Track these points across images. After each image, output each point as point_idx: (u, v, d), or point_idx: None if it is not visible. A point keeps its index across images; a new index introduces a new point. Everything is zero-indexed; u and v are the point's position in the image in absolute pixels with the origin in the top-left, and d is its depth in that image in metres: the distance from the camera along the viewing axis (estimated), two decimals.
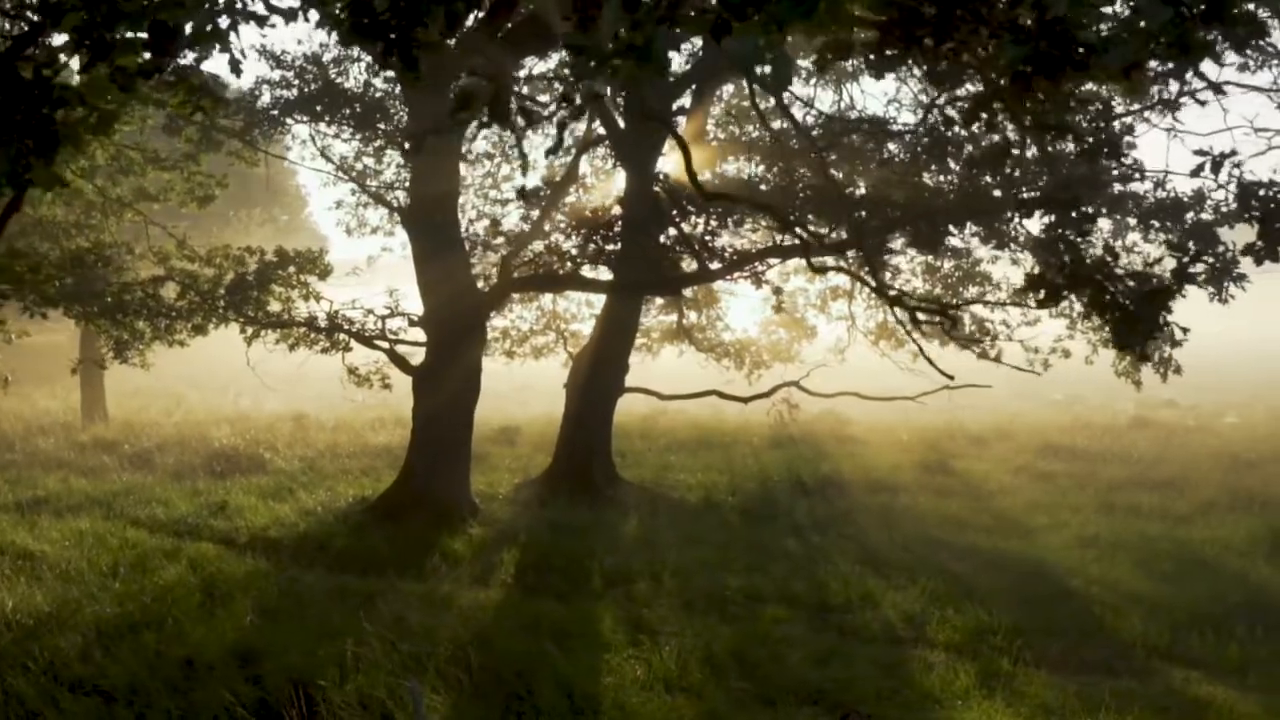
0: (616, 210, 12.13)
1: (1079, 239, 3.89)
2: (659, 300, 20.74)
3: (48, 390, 27.49)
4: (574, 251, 11.80)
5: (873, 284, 9.81)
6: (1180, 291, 3.76)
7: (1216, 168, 4.38)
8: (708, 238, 11.46)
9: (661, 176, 12.76)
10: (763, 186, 10.88)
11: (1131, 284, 3.68)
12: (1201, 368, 39.10)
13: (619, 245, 11.45)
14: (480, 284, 14.21)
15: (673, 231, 12.78)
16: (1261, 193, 4.44)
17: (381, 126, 14.18)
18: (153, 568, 10.07)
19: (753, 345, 22.38)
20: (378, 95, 14.23)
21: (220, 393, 30.29)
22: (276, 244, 15.86)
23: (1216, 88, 5.84)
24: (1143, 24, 2.64)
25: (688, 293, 20.24)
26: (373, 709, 6.37)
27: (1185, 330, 7.04)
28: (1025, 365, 17.48)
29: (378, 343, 13.29)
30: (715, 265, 11.32)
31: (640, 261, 13.61)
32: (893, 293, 10.11)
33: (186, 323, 14.36)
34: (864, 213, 9.46)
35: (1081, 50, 2.61)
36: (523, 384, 27.93)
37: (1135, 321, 3.62)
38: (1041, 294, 3.90)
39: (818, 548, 11.76)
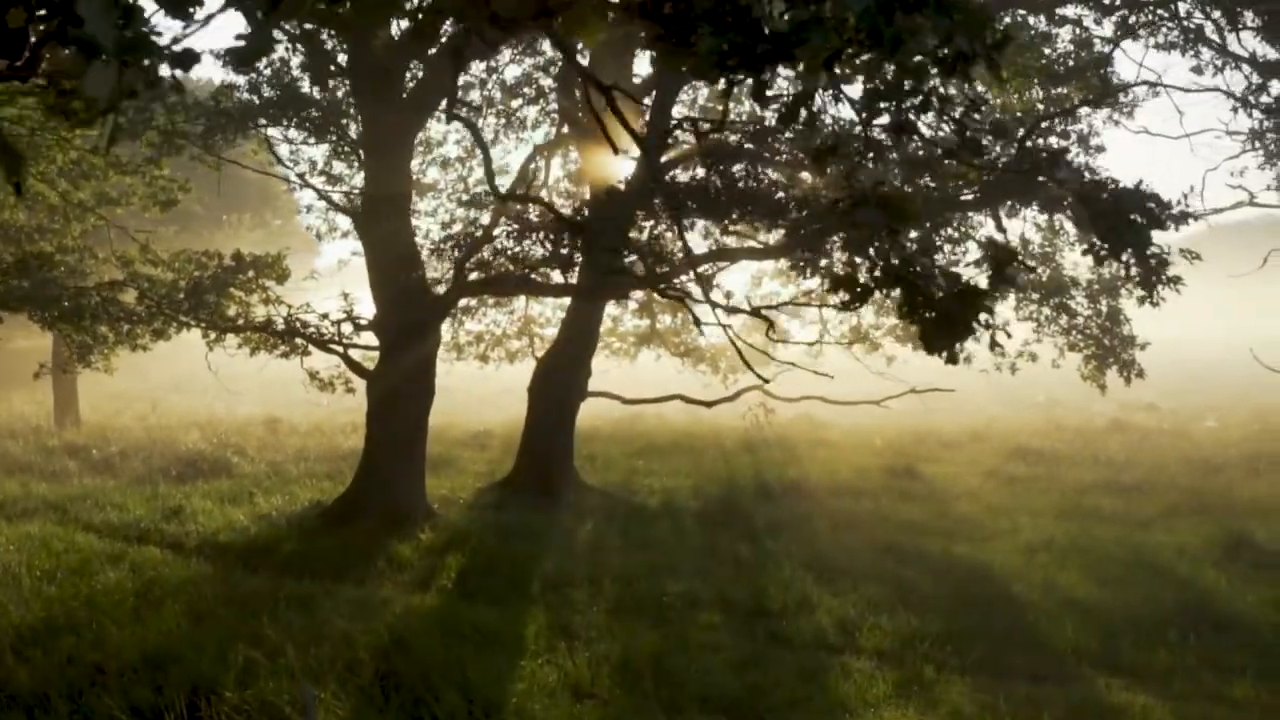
0: (567, 212, 12.09)
1: (892, 236, 3.81)
2: (633, 304, 20.74)
3: (27, 394, 27.51)
4: (524, 254, 11.76)
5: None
6: (997, 293, 3.67)
7: (1053, 163, 4.32)
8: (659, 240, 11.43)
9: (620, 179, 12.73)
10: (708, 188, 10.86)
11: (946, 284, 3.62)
12: (1193, 370, 38.97)
13: (568, 248, 11.41)
14: (440, 287, 14.16)
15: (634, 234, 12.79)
16: (1104, 195, 4.36)
17: (337, 129, 14.16)
18: (92, 572, 10.03)
19: (727, 349, 22.35)
20: (337, 98, 14.23)
21: (201, 397, 30.26)
22: (266, 248, 15.83)
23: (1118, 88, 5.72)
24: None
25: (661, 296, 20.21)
26: (272, 715, 6.32)
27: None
28: (993, 369, 17.43)
29: (332, 347, 13.25)
30: (663, 269, 11.27)
31: (596, 265, 13.59)
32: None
33: (147, 327, 14.38)
34: (803, 213, 9.42)
35: (780, 41, 2.55)
36: (503, 388, 27.91)
37: (947, 324, 3.55)
38: (845, 294, 3.82)
39: (768, 552, 11.69)
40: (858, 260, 3.90)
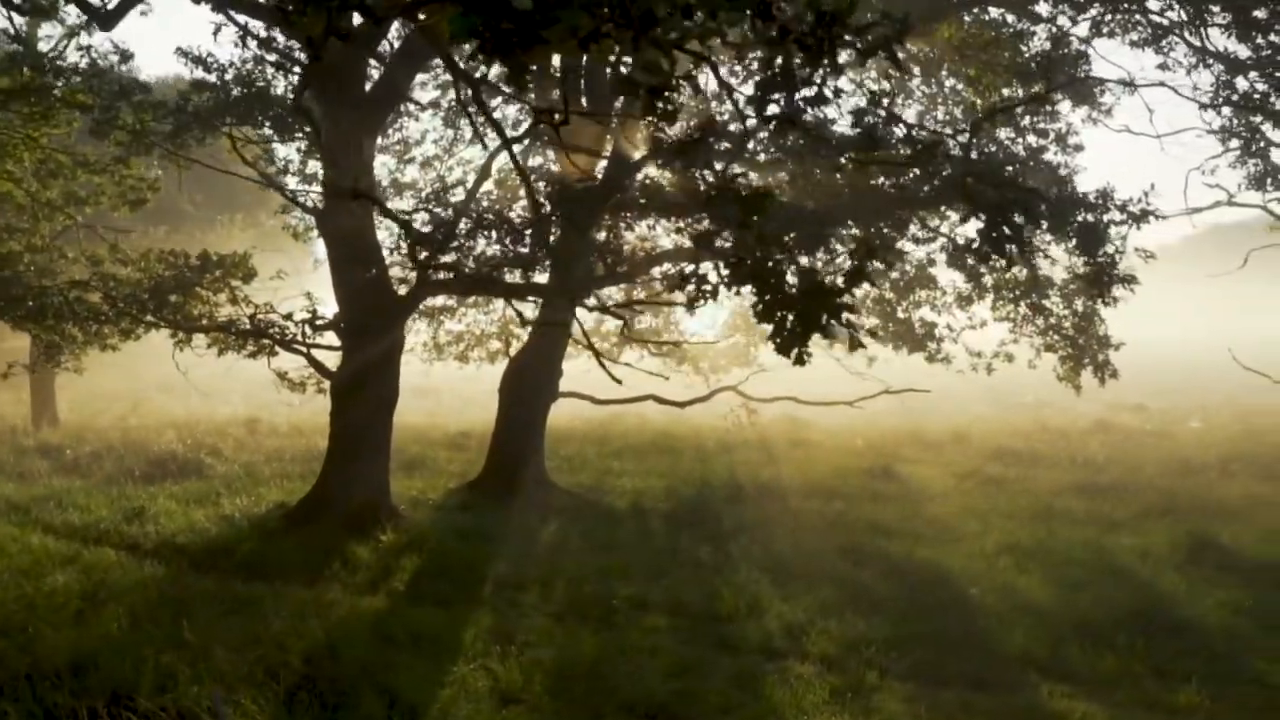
0: (526, 210, 12.00)
1: (742, 230, 3.68)
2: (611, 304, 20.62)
3: (13, 394, 27.44)
4: (482, 253, 11.66)
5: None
6: (851, 291, 3.54)
7: (928, 155, 4.21)
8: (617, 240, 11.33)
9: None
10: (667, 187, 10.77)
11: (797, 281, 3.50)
12: (1188, 369, 38.67)
13: (528, 248, 11.31)
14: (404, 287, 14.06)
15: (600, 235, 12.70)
16: (988, 190, 4.22)
17: (309, 127, 14.08)
18: (41, 574, 9.94)
19: (709, 350, 22.28)
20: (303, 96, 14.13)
21: (186, 398, 30.18)
22: (258, 247, 15.71)
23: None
24: None
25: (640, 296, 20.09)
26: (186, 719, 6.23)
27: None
28: (968, 369, 17.29)
29: (295, 346, 13.16)
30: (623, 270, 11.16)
31: (563, 264, 13.49)
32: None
33: (115, 327, 14.31)
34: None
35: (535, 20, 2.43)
36: (490, 388, 27.76)
37: (801, 323, 3.42)
38: (693, 291, 3.70)
39: (729, 555, 11.55)
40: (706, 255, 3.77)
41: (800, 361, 3.57)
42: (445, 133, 20.01)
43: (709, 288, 3.72)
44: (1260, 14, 12.16)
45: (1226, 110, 12.41)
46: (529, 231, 11.57)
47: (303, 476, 16.27)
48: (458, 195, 18.62)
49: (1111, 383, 16.01)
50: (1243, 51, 12.26)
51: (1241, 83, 11.95)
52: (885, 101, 8.12)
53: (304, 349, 13.14)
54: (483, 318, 20.82)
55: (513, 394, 15.28)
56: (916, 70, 18.04)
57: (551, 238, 12.52)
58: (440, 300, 18.42)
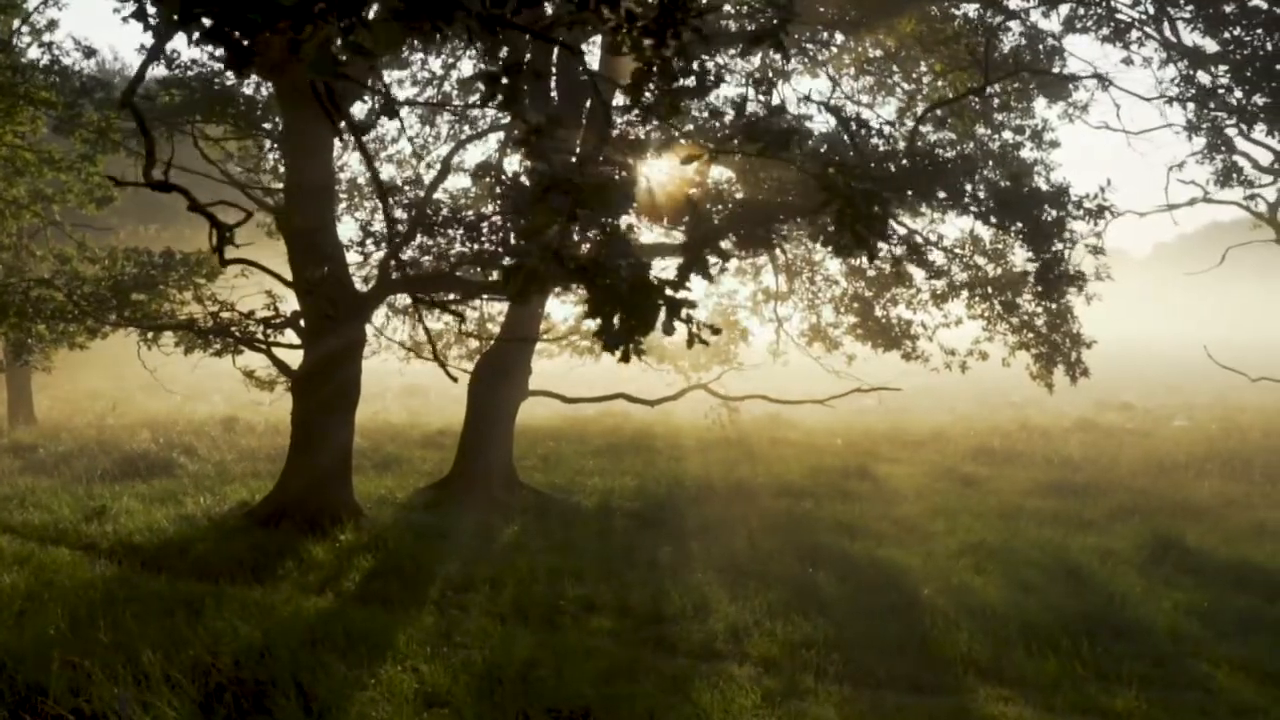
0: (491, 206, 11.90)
1: (568, 224, 3.57)
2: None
3: None
4: (443, 251, 11.56)
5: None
6: (684, 284, 3.42)
7: (782, 145, 4.10)
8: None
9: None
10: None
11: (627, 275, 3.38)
12: (1184, 368, 38.39)
13: (487, 244, 11.21)
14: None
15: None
16: (840, 178, 4.11)
17: (266, 126, 14.02)
18: None
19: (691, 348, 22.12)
20: (261, 97, 14.10)
21: (169, 397, 30.17)
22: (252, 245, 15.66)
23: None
24: None
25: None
26: None
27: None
28: (942, 367, 17.14)
29: (257, 344, 13.08)
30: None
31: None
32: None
33: (81, 325, 14.28)
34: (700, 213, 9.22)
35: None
36: None
37: (636, 319, 3.32)
38: (516, 287, 3.58)
39: (688, 554, 11.46)
40: (534, 249, 3.66)
41: (626, 358, 3.47)
42: (421, 130, 19.96)
43: (534, 284, 3.61)
44: (1229, 8, 12.02)
45: (1191, 106, 12.27)
46: (485, 228, 11.47)
47: (271, 475, 16.18)
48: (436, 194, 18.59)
49: (1100, 381, 15.86)
50: (1210, 46, 12.11)
51: (1204, 77, 11.79)
52: (763, 90, 8.00)
53: (264, 346, 13.07)
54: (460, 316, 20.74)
55: (482, 393, 15.19)
56: (896, 67, 17.94)
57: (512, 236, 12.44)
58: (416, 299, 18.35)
